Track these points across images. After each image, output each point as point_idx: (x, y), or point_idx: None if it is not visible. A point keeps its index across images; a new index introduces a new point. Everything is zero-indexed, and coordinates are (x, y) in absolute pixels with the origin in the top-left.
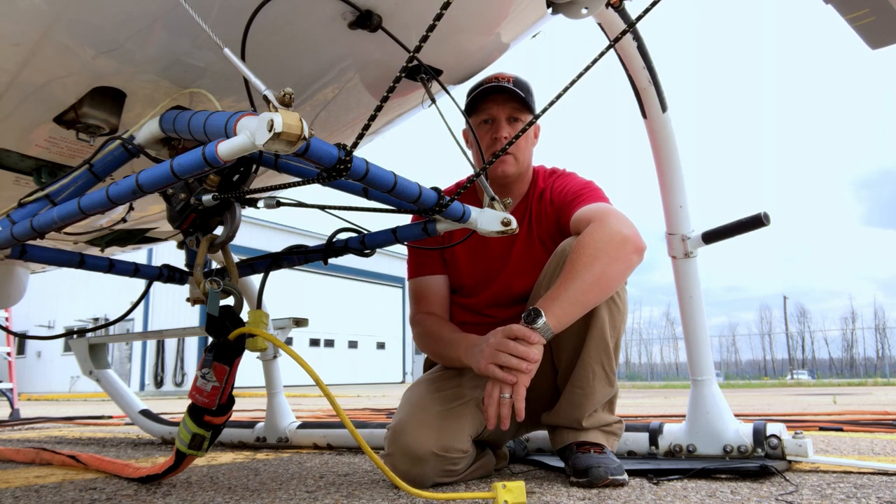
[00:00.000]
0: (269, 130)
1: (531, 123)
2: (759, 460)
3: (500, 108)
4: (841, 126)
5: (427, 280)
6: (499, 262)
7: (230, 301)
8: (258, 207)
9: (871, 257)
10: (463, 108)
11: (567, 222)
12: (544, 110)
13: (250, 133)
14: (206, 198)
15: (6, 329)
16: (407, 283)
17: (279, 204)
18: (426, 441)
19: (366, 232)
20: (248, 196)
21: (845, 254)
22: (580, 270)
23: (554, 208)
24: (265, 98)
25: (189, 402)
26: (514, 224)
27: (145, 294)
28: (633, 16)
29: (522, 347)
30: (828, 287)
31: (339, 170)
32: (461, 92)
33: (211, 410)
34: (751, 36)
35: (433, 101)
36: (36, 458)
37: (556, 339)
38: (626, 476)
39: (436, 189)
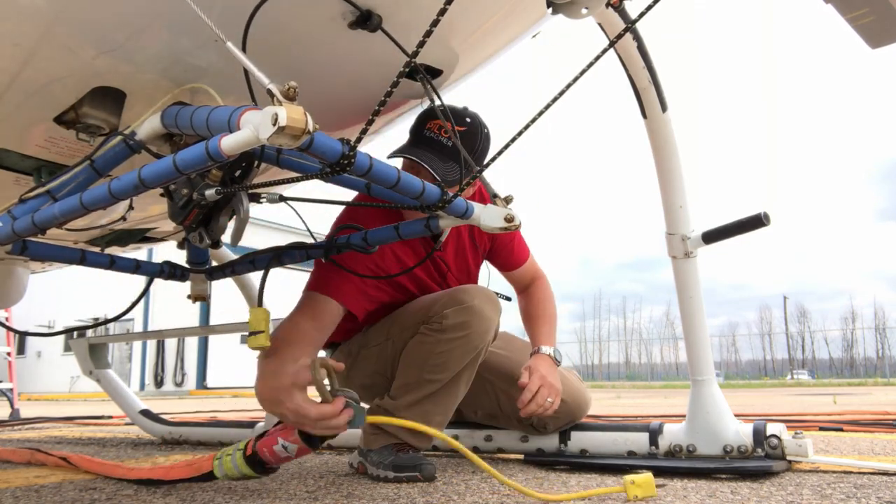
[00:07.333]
0: (274, 124)
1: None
2: (759, 460)
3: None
4: (859, 116)
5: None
6: (440, 272)
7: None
8: (261, 202)
9: (884, 254)
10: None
11: (510, 255)
12: (545, 109)
13: (254, 127)
14: (209, 192)
15: (7, 326)
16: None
17: (282, 199)
18: None
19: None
20: (250, 192)
21: (857, 251)
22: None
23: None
24: (269, 92)
25: (251, 450)
26: (518, 220)
27: (146, 291)
28: (633, 16)
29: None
30: (836, 286)
31: (342, 165)
32: (461, 91)
33: (273, 468)
34: (758, 25)
35: (433, 101)
36: (31, 458)
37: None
38: None
39: (439, 184)
